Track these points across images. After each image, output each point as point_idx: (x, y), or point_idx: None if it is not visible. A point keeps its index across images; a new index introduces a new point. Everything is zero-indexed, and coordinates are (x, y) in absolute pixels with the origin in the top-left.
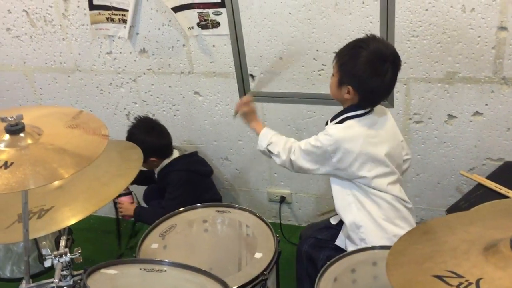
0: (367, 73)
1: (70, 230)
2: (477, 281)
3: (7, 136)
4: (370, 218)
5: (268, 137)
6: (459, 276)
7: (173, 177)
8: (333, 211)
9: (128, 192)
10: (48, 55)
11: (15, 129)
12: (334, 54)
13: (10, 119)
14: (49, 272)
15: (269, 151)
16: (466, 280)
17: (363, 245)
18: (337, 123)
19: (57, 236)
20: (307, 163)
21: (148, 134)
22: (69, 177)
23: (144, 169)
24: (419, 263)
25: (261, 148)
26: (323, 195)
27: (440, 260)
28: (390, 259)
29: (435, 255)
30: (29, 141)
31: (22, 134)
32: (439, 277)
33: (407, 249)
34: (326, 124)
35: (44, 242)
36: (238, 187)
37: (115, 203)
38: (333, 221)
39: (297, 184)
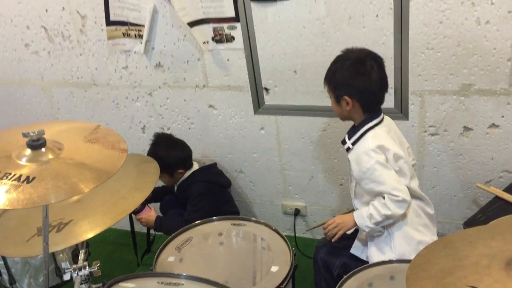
0: (353, 76)
1: (86, 243)
2: None
3: (28, 151)
4: (397, 224)
5: (364, 215)
6: None
7: (194, 189)
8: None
9: (142, 205)
10: (65, 70)
11: (37, 144)
12: None
13: (32, 134)
14: (66, 284)
15: (375, 223)
16: None
17: (388, 251)
18: (356, 139)
19: (74, 249)
20: (398, 182)
21: (172, 149)
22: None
23: (165, 184)
24: (440, 278)
25: (368, 230)
26: (337, 207)
27: (461, 275)
28: (409, 273)
29: (456, 270)
30: (50, 156)
31: (43, 149)
32: None
33: (427, 264)
34: (343, 142)
35: (61, 255)
36: (253, 199)
37: (130, 216)
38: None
39: (311, 196)
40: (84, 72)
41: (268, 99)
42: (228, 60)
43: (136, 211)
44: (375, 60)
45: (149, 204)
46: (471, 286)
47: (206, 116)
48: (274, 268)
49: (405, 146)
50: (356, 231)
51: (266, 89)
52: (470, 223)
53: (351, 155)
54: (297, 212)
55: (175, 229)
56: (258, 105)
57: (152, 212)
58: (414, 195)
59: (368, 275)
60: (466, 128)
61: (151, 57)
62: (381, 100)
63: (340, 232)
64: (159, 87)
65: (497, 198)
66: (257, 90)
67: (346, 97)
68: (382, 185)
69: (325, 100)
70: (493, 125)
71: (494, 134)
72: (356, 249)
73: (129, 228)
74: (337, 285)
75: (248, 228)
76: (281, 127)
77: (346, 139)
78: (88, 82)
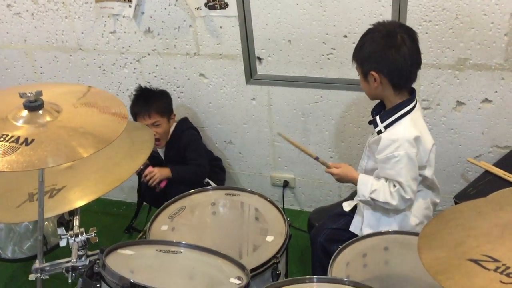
0: (381, 49)
1: (72, 212)
2: None
3: (25, 113)
4: (403, 212)
5: (368, 185)
6: (496, 261)
7: (186, 137)
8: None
9: (147, 164)
10: (49, 33)
11: (34, 105)
12: (344, 38)
13: (29, 94)
14: (51, 253)
15: (373, 199)
16: (504, 264)
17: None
18: (390, 123)
19: (60, 217)
20: (414, 183)
21: (164, 93)
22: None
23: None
24: (452, 247)
25: (364, 198)
26: (326, 180)
27: (474, 244)
28: (421, 242)
29: (468, 239)
30: (48, 118)
31: (40, 112)
32: (475, 261)
33: (438, 233)
34: (373, 123)
35: (46, 223)
36: (241, 170)
37: (139, 176)
38: (347, 207)
39: (300, 169)
40: (70, 36)
41: (261, 69)
42: (221, 27)
43: (141, 170)
44: (407, 33)
45: None
46: (485, 255)
47: (196, 85)
48: (269, 238)
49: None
50: (355, 208)
51: (259, 59)
52: (461, 197)
53: (381, 137)
54: (285, 184)
55: (193, 173)
56: (250, 75)
57: (161, 168)
58: (429, 185)
59: (363, 246)
60: (459, 103)
61: (141, 22)
62: (413, 77)
63: (335, 177)
64: (148, 54)
65: (487, 172)
66: (249, 60)
67: (373, 72)
68: (399, 177)
69: (318, 71)
70: (486, 100)
71: (486, 109)
72: (355, 227)
73: (115, 198)
74: (332, 256)
75: (242, 198)
76: (273, 98)
77: (378, 121)
78: (73, 46)
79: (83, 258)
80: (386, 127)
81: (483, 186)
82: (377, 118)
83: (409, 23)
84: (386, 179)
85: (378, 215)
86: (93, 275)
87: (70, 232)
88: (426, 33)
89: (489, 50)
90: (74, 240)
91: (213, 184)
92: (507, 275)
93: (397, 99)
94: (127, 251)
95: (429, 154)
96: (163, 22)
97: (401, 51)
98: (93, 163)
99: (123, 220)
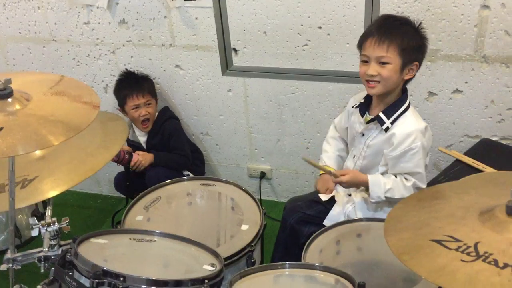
0: (423, 39)
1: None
2: (475, 245)
3: None
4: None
5: (381, 185)
6: (458, 240)
7: (169, 126)
8: None
9: (130, 153)
10: (22, 24)
11: (3, 93)
12: (318, 29)
13: None
14: (25, 246)
15: (389, 198)
16: (465, 244)
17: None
18: (395, 119)
19: (34, 209)
20: (425, 167)
21: (147, 78)
22: (57, 145)
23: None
24: (417, 228)
25: (379, 199)
26: (303, 171)
27: (437, 225)
28: (387, 225)
29: (432, 221)
30: (18, 106)
31: (9, 100)
32: (438, 241)
33: (403, 216)
34: (378, 120)
35: (20, 216)
36: (218, 162)
37: (127, 168)
38: (324, 197)
39: (277, 160)
40: (42, 26)
41: (237, 60)
42: (196, 18)
43: (127, 161)
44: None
45: None
46: (447, 235)
47: (172, 77)
48: (244, 227)
49: None
50: (333, 201)
51: (235, 50)
52: (433, 184)
53: (394, 133)
54: (262, 175)
55: (176, 162)
56: (226, 66)
57: (144, 152)
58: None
59: (336, 233)
60: (431, 93)
61: (115, 13)
62: None
63: (344, 185)
64: (123, 45)
65: (457, 161)
66: (225, 51)
67: (416, 63)
68: (418, 168)
69: (294, 62)
70: (456, 91)
71: (457, 99)
72: (329, 221)
73: (91, 191)
74: (306, 243)
75: (217, 188)
76: (249, 89)
77: (384, 118)
78: (46, 37)
79: (55, 248)
80: (392, 123)
81: (454, 174)
82: (381, 114)
83: (382, 14)
84: (396, 175)
85: (373, 206)
86: (65, 264)
87: (42, 222)
88: None
89: (460, 41)
90: (46, 230)
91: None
92: (468, 254)
93: (399, 95)
94: (100, 240)
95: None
96: (137, 13)
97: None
98: (65, 154)
99: (99, 214)
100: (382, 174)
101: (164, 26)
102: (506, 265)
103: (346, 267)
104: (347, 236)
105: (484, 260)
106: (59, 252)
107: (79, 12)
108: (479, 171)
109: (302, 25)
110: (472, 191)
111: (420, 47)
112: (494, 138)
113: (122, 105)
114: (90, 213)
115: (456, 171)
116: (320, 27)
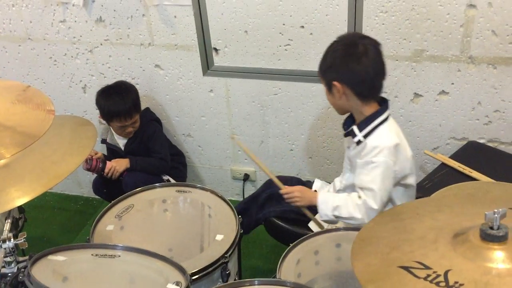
0: (342, 58)
1: (22, 209)
2: (445, 273)
3: None
4: None
5: (329, 203)
6: (427, 268)
7: (150, 129)
8: None
9: (104, 161)
10: None
11: None
12: (301, 29)
13: None
14: None
15: (337, 217)
16: (434, 272)
17: None
18: (369, 132)
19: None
20: (386, 194)
21: (131, 89)
22: (12, 156)
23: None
24: (386, 252)
25: (327, 218)
26: (287, 173)
27: (407, 249)
28: (355, 247)
29: (403, 244)
30: None
31: None
32: (406, 268)
33: (373, 237)
34: (351, 134)
35: None
36: (201, 164)
37: (101, 176)
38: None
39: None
40: (18, 24)
41: (218, 60)
42: (175, 17)
43: (101, 169)
44: (370, 44)
45: None
46: (417, 261)
47: (152, 77)
48: (219, 237)
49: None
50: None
51: (216, 50)
52: (417, 189)
53: (366, 143)
54: (246, 177)
55: (154, 166)
56: (207, 66)
57: (119, 159)
58: (411, 195)
59: (315, 243)
60: (417, 95)
61: (91, 11)
62: (377, 87)
63: (295, 200)
64: (101, 44)
65: (443, 164)
66: (206, 50)
67: (335, 83)
68: (372, 184)
69: (276, 63)
70: (443, 92)
71: (443, 101)
72: (313, 226)
73: (70, 193)
74: (283, 254)
75: (193, 195)
76: (231, 89)
77: (356, 131)
78: (22, 36)
79: (12, 265)
80: (365, 136)
81: (439, 178)
82: (355, 128)
83: (366, 14)
84: (351, 192)
85: None
86: (18, 285)
87: None
88: (383, 24)
89: (446, 42)
90: (1, 246)
91: (173, 181)
92: (437, 284)
93: (367, 110)
94: (58, 257)
95: (411, 161)
96: (115, 11)
97: (362, 60)
98: (28, 162)
99: (80, 216)
100: None
101: (143, 24)
102: None
103: (325, 277)
104: (326, 246)
105: None
106: (15, 270)
107: (54, 10)
108: (465, 175)
109: (284, 24)
110: (447, 209)
111: (331, 67)
112: (481, 141)
113: (106, 120)
114: (70, 216)
115: (441, 175)
116: (302, 27)
